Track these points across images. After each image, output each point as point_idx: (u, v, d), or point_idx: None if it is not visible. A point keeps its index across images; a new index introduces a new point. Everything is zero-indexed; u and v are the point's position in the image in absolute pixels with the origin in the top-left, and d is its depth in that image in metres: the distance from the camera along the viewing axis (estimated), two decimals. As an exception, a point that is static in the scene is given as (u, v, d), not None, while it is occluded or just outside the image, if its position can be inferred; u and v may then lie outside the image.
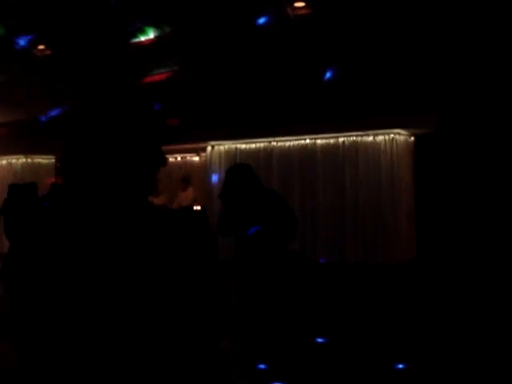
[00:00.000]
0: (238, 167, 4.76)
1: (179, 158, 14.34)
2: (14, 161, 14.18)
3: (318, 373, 5.02)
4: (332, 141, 11.17)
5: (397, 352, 5.26)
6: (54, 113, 10.67)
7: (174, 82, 9.35)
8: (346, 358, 5.39)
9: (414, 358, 4.86)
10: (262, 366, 4.89)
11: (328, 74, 8.92)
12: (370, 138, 10.89)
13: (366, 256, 10.84)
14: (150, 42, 7.22)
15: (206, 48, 7.70)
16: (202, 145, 12.48)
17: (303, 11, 6.22)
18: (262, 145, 11.76)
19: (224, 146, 12.08)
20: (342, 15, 6.30)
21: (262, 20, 6.43)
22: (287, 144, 11.51)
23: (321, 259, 10.87)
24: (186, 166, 14.09)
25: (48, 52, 7.74)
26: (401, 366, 4.93)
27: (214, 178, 12.00)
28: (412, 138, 11.24)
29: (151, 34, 6.99)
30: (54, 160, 14.48)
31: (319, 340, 5.83)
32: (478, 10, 6.33)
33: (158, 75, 8.41)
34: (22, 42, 6.79)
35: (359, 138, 10.96)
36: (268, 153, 11.63)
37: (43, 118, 11.07)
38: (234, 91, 10.74)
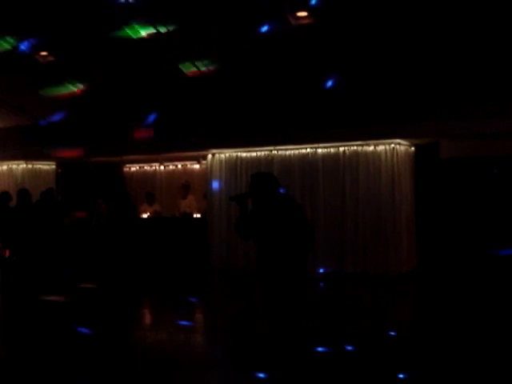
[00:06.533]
0: (262, 175, 5.02)
1: (180, 166, 14.34)
2: (14, 166, 14.19)
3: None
4: (333, 150, 11.17)
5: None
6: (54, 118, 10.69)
7: (175, 90, 9.38)
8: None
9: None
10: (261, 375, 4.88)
11: (329, 83, 8.94)
12: (371, 148, 10.89)
13: (365, 266, 10.81)
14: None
15: (208, 56, 7.72)
16: (202, 152, 12.48)
17: (306, 21, 6.25)
18: (262, 153, 11.75)
19: (225, 154, 12.07)
20: (345, 25, 6.33)
21: (264, 28, 6.45)
22: (288, 153, 11.51)
23: (320, 269, 10.84)
24: (186, 174, 14.09)
25: (50, 58, 7.77)
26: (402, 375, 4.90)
27: (215, 184, 11.98)
28: (412, 148, 11.25)
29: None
30: (54, 166, 14.47)
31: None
32: (474, 21, 6.37)
33: None
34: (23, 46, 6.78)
35: (360, 148, 10.96)
36: (269, 161, 11.62)
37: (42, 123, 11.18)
38: (235, 99, 10.76)
